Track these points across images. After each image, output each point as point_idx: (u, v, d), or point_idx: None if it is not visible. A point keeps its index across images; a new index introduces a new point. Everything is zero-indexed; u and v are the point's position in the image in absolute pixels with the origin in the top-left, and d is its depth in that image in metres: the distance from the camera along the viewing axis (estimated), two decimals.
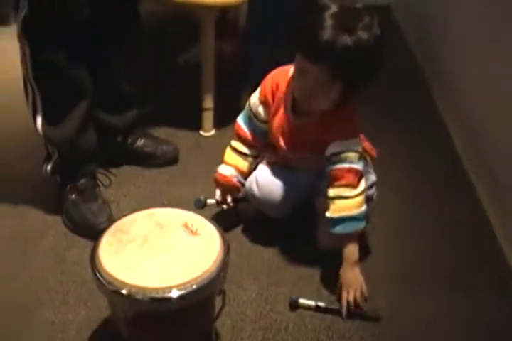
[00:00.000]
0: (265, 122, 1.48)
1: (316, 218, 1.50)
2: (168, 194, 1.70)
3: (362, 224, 1.38)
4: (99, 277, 1.09)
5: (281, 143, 1.44)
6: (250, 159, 1.53)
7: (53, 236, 1.57)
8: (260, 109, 1.47)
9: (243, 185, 1.54)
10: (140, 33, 1.66)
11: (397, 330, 1.35)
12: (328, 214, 1.38)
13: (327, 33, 1.19)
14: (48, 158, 1.59)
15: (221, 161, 1.55)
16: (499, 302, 1.42)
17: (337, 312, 1.37)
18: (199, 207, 1.55)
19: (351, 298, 1.35)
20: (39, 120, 1.50)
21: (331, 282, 1.43)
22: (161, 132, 1.90)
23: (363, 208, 1.37)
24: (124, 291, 1.06)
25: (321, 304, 1.38)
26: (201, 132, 1.94)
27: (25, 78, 1.47)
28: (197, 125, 1.94)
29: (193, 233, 1.16)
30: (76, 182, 1.58)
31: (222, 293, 1.18)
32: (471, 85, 1.90)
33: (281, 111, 1.42)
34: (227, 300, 1.37)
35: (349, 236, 1.37)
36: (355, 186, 1.36)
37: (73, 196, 1.58)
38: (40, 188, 1.70)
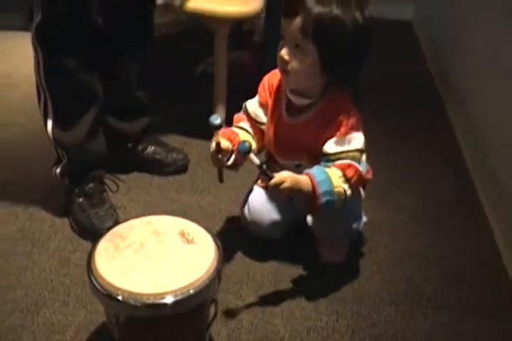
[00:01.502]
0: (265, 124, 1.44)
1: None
2: (176, 202, 1.72)
3: (330, 195, 1.25)
4: (94, 282, 1.10)
5: (276, 149, 1.40)
6: (254, 142, 1.41)
7: (60, 239, 1.59)
8: (260, 112, 1.43)
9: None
10: (154, 42, 1.68)
11: None
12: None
13: None
14: (57, 162, 1.62)
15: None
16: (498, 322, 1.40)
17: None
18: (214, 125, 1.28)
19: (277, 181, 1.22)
20: (49, 124, 1.53)
21: (330, 296, 1.43)
22: (173, 140, 1.92)
23: (342, 195, 1.27)
24: (118, 297, 1.07)
25: (264, 166, 1.24)
26: None
27: (37, 83, 1.50)
28: (209, 135, 1.95)
29: (189, 241, 1.17)
30: (84, 187, 1.60)
31: (215, 302, 1.18)
32: (484, 102, 1.89)
33: (278, 113, 1.39)
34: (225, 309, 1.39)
35: (313, 181, 1.24)
36: (350, 184, 1.27)
37: (81, 200, 1.61)
38: (51, 191, 1.72)
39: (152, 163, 1.80)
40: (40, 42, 1.42)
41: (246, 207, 1.51)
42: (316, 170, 1.28)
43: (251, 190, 1.53)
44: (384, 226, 1.67)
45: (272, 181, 1.22)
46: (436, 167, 1.92)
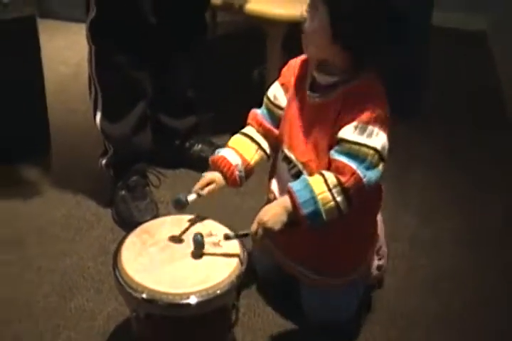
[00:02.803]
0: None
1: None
2: (218, 201, 1.70)
3: (317, 215, 1.13)
4: (118, 276, 1.13)
5: (291, 134, 1.26)
6: (260, 152, 1.32)
7: (101, 228, 1.63)
8: (280, 94, 1.30)
9: (241, 182, 1.32)
10: (206, 41, 1.69)
11: None
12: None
13: None
14: (104, 153, 1.66)
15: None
16: None
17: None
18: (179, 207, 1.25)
19: (253, 229, 1.16)
20: (98, 116, 1.57)
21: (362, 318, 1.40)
22: (220, 140, 1.92)
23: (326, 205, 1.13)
24: (142, 294, 1.08)
25: (232, 235, 1.19)
26: None
27: (89, 75, 1.54)
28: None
29: (215, 244, 1.17)
30: (127, 179, 1.64)
31: (236, 307, 1.18)
32: None
33: (300, 94, 1.25)
34: (252, 314, 1.38)
35: (293, 196, 1.15)
36: (346, 195, 1.13)
37: (123, 192, 1.64)
38: (100, 180, 1.76)
39: (198, 161, 1.81)
40: (94, 38, 1.46)
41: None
42: (298, 186, 1.15)
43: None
44: (427, 246, 1.62)
45: (253, 232, 1.15)
46: (493, 193, 1.85)
